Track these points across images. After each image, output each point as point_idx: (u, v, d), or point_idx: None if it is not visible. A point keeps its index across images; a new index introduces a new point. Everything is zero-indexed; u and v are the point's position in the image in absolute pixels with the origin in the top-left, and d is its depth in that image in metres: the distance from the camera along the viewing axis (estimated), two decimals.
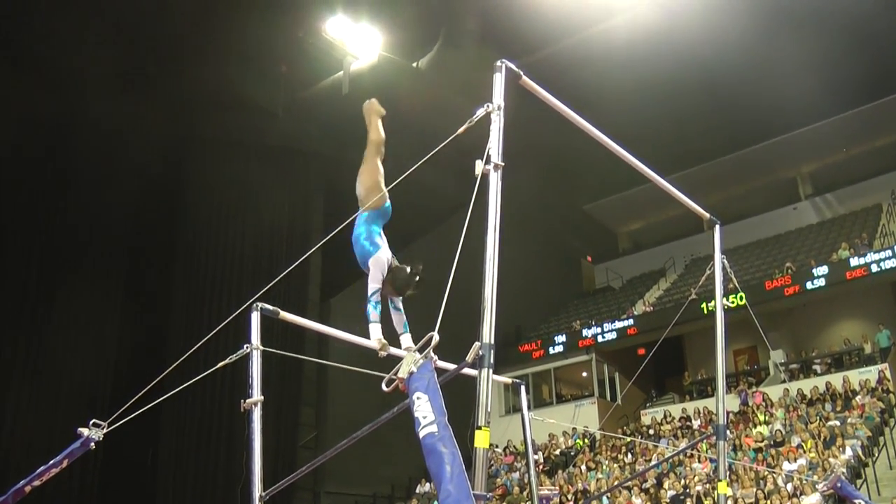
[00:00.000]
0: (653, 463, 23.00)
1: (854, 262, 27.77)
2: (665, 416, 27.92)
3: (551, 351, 32.68)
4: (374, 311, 6.36)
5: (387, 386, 3.87)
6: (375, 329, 6.39)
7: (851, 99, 32.94)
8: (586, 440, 28.10)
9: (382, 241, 6.58)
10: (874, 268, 27.20)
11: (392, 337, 6.58)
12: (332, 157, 27.77)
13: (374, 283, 6.39)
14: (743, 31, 26.39)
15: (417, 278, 6.59)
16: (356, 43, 24.63)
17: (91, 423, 5.24)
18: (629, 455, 25.55)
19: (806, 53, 27.53)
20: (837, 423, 22.46)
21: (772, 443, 22.63)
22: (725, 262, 7.40)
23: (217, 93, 24.84)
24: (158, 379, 5.99)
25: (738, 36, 26.58)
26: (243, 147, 26.74)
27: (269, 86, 25.96)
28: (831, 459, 19.76)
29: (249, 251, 26.31)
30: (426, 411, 3.58)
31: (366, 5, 23.49)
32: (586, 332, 32.20)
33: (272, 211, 27.11)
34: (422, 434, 3.53)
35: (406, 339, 6.75)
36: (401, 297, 6.76)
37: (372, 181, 6.75)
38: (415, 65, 25.21)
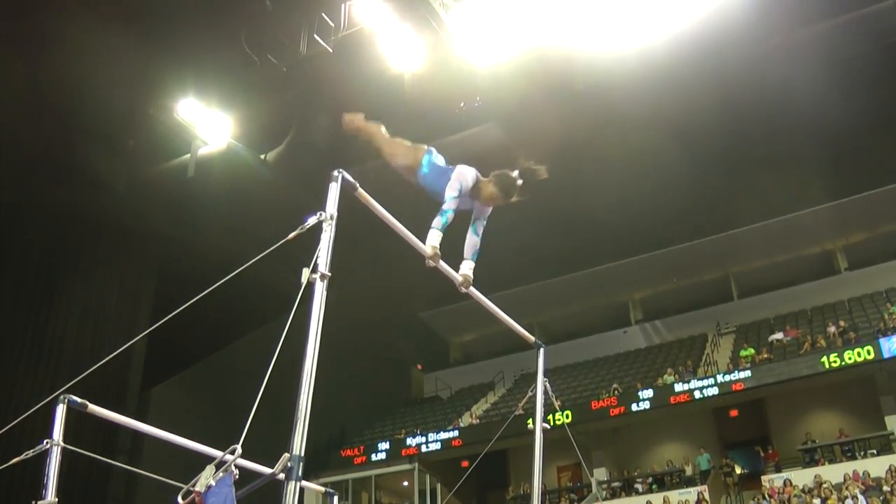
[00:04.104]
0: None
1: (678, 387, 28.72)
2: None
3: (373, 457, 32.35)
4: (439, 218, 5.81)
5: (182, 499, 3.68)
6: (434, 235, 5.76)
7: (680, 234, 34.50)
8: None
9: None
10: (697, 394, 28.20)
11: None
12: (169, 239, 27.18)
13: (451, 191, 5.96)
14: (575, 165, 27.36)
15: (520, 182, 6.12)
16: (206, 127, 24.35)
17: None
18: None
19: (637, 190, 28.85)
20: None
21: None
22: (548, 384, 7.45)
23: (52, 158, 23.97)
24: None
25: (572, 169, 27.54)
26: (75, 220, 25.71)
27: (113, 159, 25.25)
28: None
29: (70, 335, 25.06)
30: None
31: (217, 92, 23.27)
32: (410, 441, 32.04)
33: (100, 292, 26.08)
34: None
35: (466, 266, 6.19)
36: (484, 221, 6.33)
37: (400, 148, 6.57)
38: (263, 157, 25.06)
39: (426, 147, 6.48)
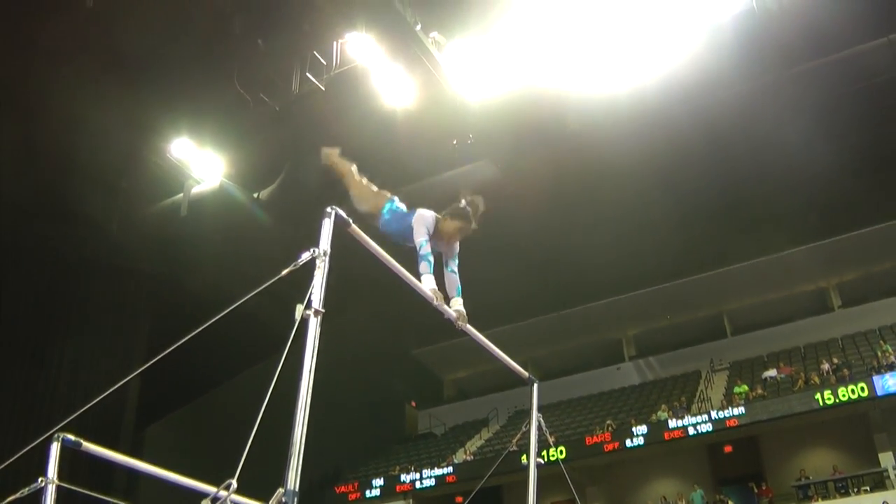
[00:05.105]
0: None
1: (672, 423, 28.71)
2: None
3: (368, 494, 32.23)
4: (424, 264, 6.04)
5: None
6: (428, 279, 5.99)
7: (673, 272, 34.59)
8: None
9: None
10: (691, 430, 28.19)
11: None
12: (163, 278, 27.13)
13: (420, 237, 6.14)
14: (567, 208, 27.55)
15: (470, 209, 6.40)
16: (199, 167, 24.40)
17: None
18: None
19: (630, 227, 29.05)
20: None
21: None
22: (542, 420, 7.46)
23: (46, 198, 23.97)
24: None
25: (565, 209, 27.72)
26: (69, 260, 25.70)
27: (106, 199, 25.24)
28: None
29: (65, 375, 24.98)
30: None
31: (210, 132, 23.32)
32: (405, 478, 31.95)
33: (94, 331, 26.02)
34: None
35: (457, 303, 6.32)
36: (456, 258, 6.51)
37: (366, 192, 6.78)
38: (256, 195, 25.10)
39: (389, 195, 6.72)
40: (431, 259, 6.09)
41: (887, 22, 22.20)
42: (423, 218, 6.28)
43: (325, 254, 4.37)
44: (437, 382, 44.43)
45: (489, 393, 39.55)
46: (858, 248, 34.51)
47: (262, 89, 21.13)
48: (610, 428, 30.42)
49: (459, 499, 29.20)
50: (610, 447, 29.57)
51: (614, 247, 30.49)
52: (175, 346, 5.06)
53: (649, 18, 20.45)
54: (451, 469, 31.56)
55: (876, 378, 26.29)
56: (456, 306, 6.27)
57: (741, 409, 27.94)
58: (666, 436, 28.84)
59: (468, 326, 6.28)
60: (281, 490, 3.76)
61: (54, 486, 5.84)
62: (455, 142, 23.35)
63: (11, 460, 5.42)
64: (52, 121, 21.96)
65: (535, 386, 7.51)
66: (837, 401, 26.48)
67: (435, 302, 5.93)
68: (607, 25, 20.28)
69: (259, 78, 21.16)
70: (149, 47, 20.92)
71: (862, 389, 26.18)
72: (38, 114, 21.82)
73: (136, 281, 27.34)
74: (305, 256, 4.37)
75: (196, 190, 24.86)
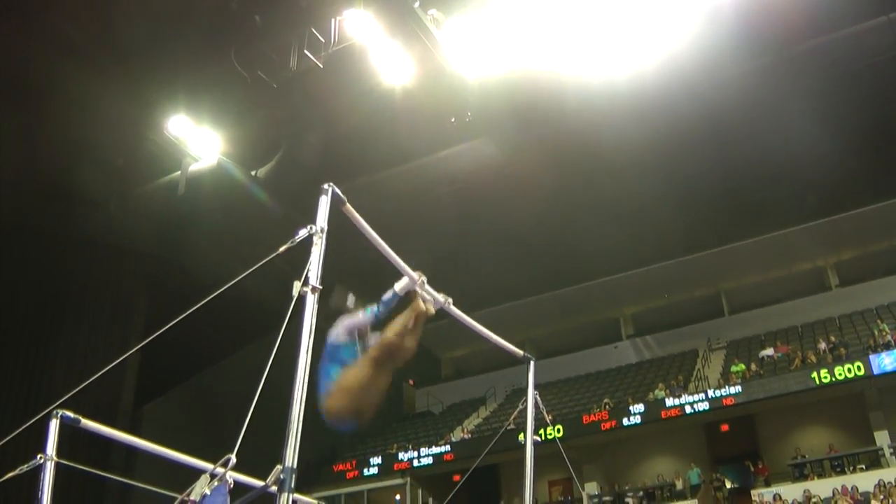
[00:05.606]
0: None
1: (669, 402, 28.75)
2: None
3: (366, 472, 32.34)
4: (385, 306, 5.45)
5: None
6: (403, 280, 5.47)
7: (671, 250, 34.54)
8: None
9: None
10: (688, 409, 28.23)
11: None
12: (161, 257, 27.08)
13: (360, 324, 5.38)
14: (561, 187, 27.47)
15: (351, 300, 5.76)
16: (196, 144, 24.29)
17: None
18: None
19: (629, 206, 28.98)
20: None
21: None
22: (538, 398, 7.46)
23: (43, 177, 23.89)
24: None
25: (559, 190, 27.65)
26: (66, 238, 25.64)
27: (103, 178, 25.16)
28: None
29: (63, 353, 25.05)
30: None
31: (207, 109, 23.21)
32: (402, 456, 32.03)
33: (91, 310, 26.02)
34: None
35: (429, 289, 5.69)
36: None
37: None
38: (253, 173, 25.02)
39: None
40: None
41: (887, 0, 22.09)
42: (345, 326, 5.51)
43: (322, 231, 4.36)
44: (435, 361, 44.46)
45: (487, 371, 39.61)
46: (856, 228, 34.48)
47: (259, 66, 20.99)
48: (607, 406, 30.50)
49: (457, 477, 29.19)
50: (607, 426, 29.66)
51: (613, 226, 30.47)
52: (172, 322, 5.06)
53: None
54: (448, 447, 31.64)
55: (872, 357, 26.33)
56: (435, 295, 5.85)
57: (738, 388, 27.99)
58: (663, 414, 28.91)
59: (454, 308, 6.14)
60: (279, 467, 3.77)
61: (53, 462, 5.85)
62: (453, 119, 23.26)
63: (11, 437, 5.42)
64: (49, 99, 21.87)
65: (532, 364, 7.51)
66: (834, 379, 26.53)
67: (417, 287, 5.60)
68: (606, 5, 20.16)
69: (257, 55, 21.01)
70: (146, 24, 20.81)
71: (858, 368, 26.22)
72: (35, 93, 21.73)
73: (134, 260, 27.31)
74: (302, 233, 4.36)
75: (193, 168, 24.77)
